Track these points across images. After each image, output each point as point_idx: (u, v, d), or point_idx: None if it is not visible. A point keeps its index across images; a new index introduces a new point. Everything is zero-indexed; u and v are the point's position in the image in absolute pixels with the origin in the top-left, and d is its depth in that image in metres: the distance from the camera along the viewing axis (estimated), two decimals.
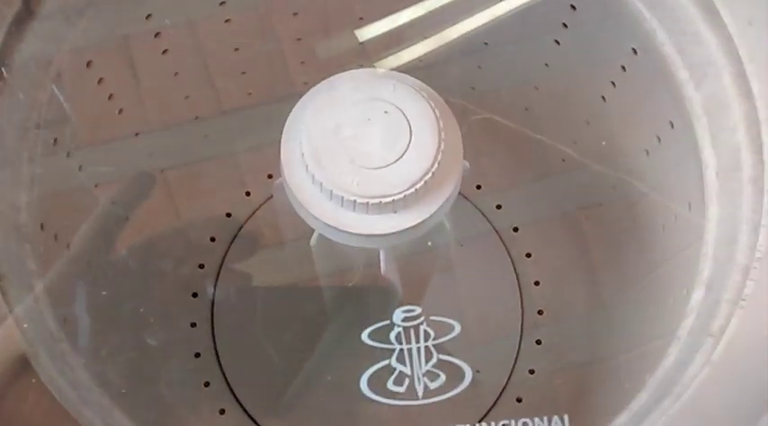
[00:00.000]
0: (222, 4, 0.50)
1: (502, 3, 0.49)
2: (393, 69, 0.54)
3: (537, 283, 0.57)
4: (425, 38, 0.54)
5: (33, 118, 0.38)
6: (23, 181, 0.37)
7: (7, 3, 0.36)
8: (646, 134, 0.44)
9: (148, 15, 0.46)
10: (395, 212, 0.35)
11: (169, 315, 0.55)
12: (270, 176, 0.60)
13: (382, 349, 0.40)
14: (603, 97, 0.47)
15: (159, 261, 0.54)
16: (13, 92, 0.37)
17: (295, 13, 0.54)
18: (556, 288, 0.57)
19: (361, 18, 0.54)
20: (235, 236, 0.59)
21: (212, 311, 0.56)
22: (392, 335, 0.40)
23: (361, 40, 0.55)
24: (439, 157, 0.35)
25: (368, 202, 0.34)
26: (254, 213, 0.59)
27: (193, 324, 0.55)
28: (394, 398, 0.39)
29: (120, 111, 0.48)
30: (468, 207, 0.58)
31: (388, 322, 0.40)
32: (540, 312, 0.56)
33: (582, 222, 0.56)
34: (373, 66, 0.55)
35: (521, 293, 0.56)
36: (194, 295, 0.56)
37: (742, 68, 0.35)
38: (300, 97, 0.38)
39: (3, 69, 0.36)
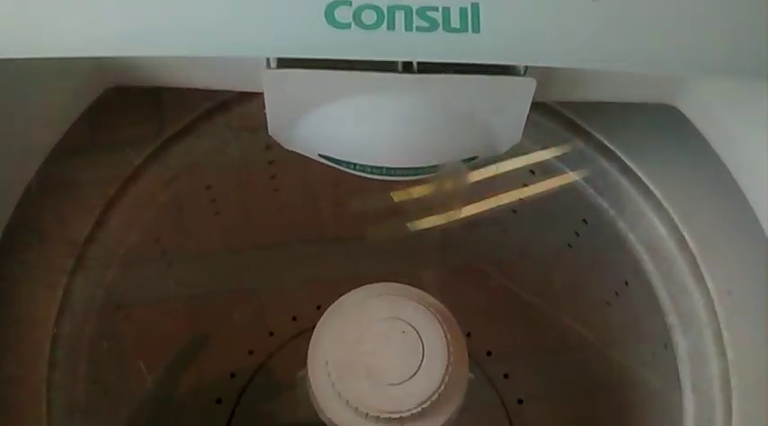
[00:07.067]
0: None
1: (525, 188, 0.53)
2: (421, 231, 0.58)
3: None
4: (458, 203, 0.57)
5: None
6: None
7: None
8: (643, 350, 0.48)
9: (208, 186, 0.51)
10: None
11: None
12: (294, 318, 0.64)
13: None
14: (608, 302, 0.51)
15: (179, 393, 0.58)
16: None
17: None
18: None
19: None
20: (255, 373, 0.62)
21: None
22: None
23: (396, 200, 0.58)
24: (446, 379, 0.38)
25: (379, 416, 0.38)
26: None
27: None
28: None
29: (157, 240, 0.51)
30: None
31: None
32: None
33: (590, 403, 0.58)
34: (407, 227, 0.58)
35: None
36: None
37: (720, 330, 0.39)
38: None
39: None
